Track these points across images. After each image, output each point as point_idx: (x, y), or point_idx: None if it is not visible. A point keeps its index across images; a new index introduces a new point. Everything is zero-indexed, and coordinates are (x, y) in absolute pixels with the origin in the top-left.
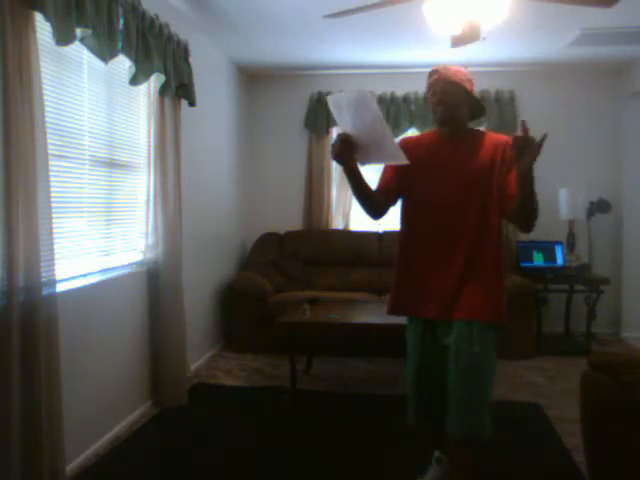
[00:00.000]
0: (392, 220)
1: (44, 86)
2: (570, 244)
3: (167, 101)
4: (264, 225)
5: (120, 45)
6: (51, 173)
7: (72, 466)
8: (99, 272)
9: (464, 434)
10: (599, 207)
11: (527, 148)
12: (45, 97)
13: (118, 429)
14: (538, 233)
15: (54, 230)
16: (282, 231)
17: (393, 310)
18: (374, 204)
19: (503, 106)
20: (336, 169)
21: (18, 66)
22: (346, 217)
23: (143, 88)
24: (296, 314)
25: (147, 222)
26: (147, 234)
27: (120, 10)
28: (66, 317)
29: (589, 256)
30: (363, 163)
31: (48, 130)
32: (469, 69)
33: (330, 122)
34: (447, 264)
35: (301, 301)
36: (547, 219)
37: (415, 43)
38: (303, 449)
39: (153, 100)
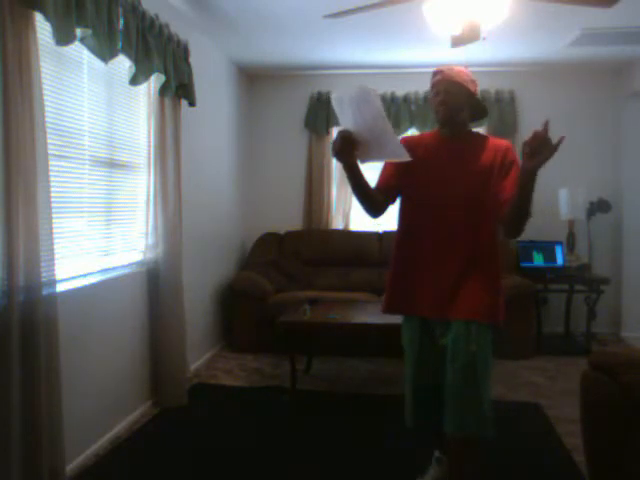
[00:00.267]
0: (392, 220)
1: (44, 86)
2: (570, 244)
3: (167, 101)
4: (264, 225)
5: (120, 45)
6: (51, 173)
7: (72, 466)
8: (99, 272)
9: (462, 434)
10: (599, 207)
11: (543, 147)
12: (45, 97)
13: (118, 429)
14: (538, 233)
15: (54, 230)
16: (282, 231)
17: (388, 309)
18: (373, 202)
19: (503, 106)
20: (336, 169)
21: (18, 66)
22: (346, 217)
23: (143, 88)
24: (296, 314)
25: (147, 222)
26: (147, 234)
27: (120, 10)
28: (66, 317)
29: (589, 256)
30: (363, 160)
31: (48, 130)
32: (469, 69)
33: (330, 122)
34: (445, 263)
35: (301, 301)
36: (547, 219)
37: (415, 43)
38: (303, 449)
39: (153, 100)
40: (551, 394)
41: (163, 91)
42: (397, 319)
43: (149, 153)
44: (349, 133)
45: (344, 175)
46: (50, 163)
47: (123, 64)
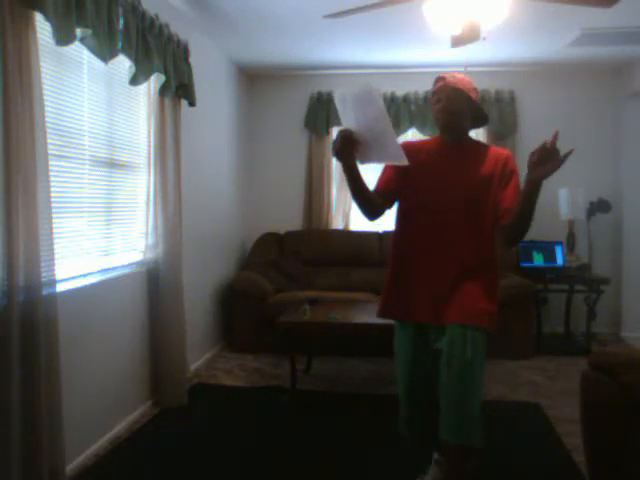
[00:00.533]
0: (392, 220)
1: (44, 86)
2: (570, 244)
3: (167, 101)
4: (264, 225)
5: (120, 45)
6: (51, 173)
7: (72, 466)
8: (99, 272)
9: (458, 441)
10: (599, 207)
11: (550, 158)
12: (45, 97)
13: (118, 429)
14: (538, 233)
15: (54, 230)
16: (282, 231)
17: (383, 313)
18: (371, 205)
19: (503, 106)
20: (336, 169)
21: (18, 66)
22: (346, 217)
23: (143, 88)
24: (296, 314)
25: (147, 222)
26: (147, 234)
27: (120, 10)
28: (66, 317)
29: (589, 256)
30: (363, 162)
31: (48, 130)
32: (469, 69)
33: (330, 122)
34: (441, 269)
35: (301, 301)
36: (547, 219)
37: (415, 43)
38: (303, 449)
39: (153, 100)
40: (551, 394)
41: (163, 91)
42: None
43: (149, 153)
44: (350, 133)
45: (344, 175)
46: (50, 163)
47: (123, 64)
